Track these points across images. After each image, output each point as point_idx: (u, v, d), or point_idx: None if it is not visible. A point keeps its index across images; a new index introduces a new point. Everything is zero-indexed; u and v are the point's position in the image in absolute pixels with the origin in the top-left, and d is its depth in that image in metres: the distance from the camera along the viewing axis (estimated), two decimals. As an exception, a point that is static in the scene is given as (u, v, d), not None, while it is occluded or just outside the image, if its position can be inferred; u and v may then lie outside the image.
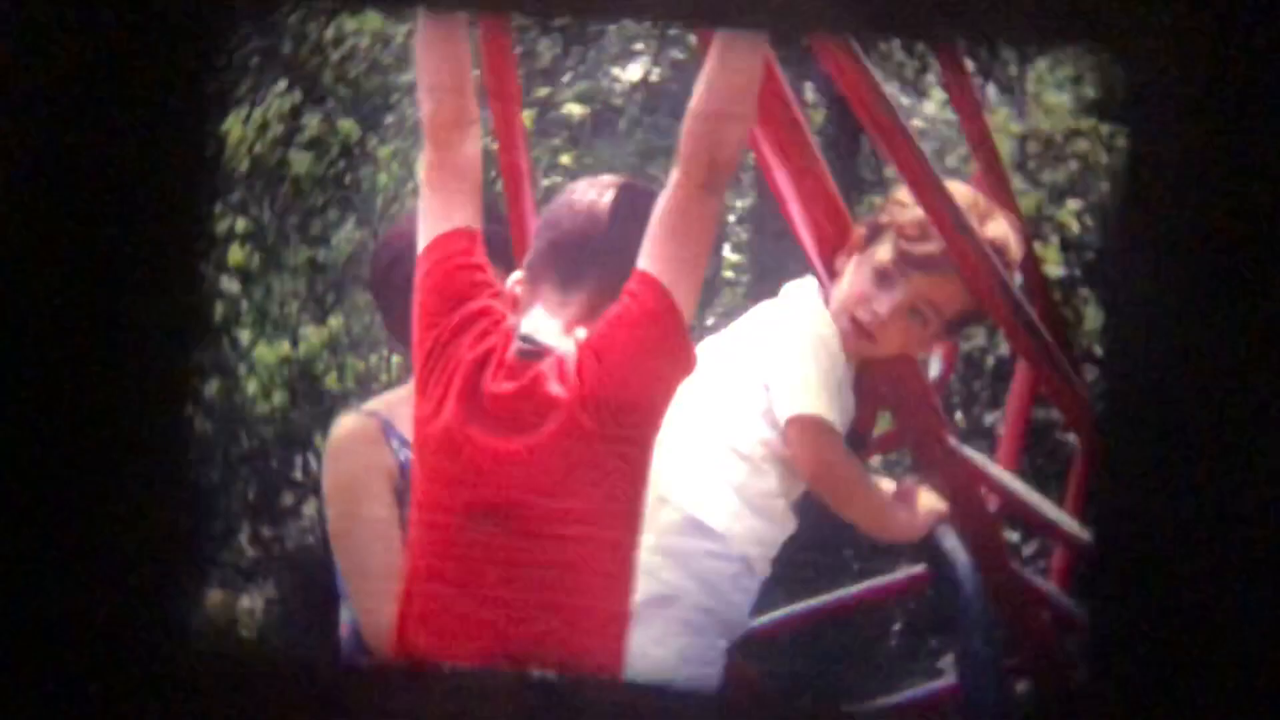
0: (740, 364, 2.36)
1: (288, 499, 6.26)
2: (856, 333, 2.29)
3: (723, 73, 1.97)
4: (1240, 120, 1.81)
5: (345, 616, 2.64)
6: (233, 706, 2.00)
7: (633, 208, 2.10)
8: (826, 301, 2.33)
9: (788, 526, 2.37)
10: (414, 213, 2.28)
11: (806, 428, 2.25)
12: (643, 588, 2.11)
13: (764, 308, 2.46)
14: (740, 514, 2.30)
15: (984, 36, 1.98)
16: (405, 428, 2.59)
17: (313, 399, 6.23)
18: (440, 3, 2.31)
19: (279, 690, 2.01)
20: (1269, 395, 1.86)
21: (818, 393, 2.26)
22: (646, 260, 2.02)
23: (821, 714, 2.17)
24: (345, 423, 2.64)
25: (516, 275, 2.19)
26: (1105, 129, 6.34)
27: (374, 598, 2.46)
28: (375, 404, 2.69)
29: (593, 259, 2.09)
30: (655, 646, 2.21)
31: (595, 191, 2.13)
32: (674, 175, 2.02)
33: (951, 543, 2.32)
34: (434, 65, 2.13)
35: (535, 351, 2.07)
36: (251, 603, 6.28)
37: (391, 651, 2.35)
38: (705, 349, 2.42)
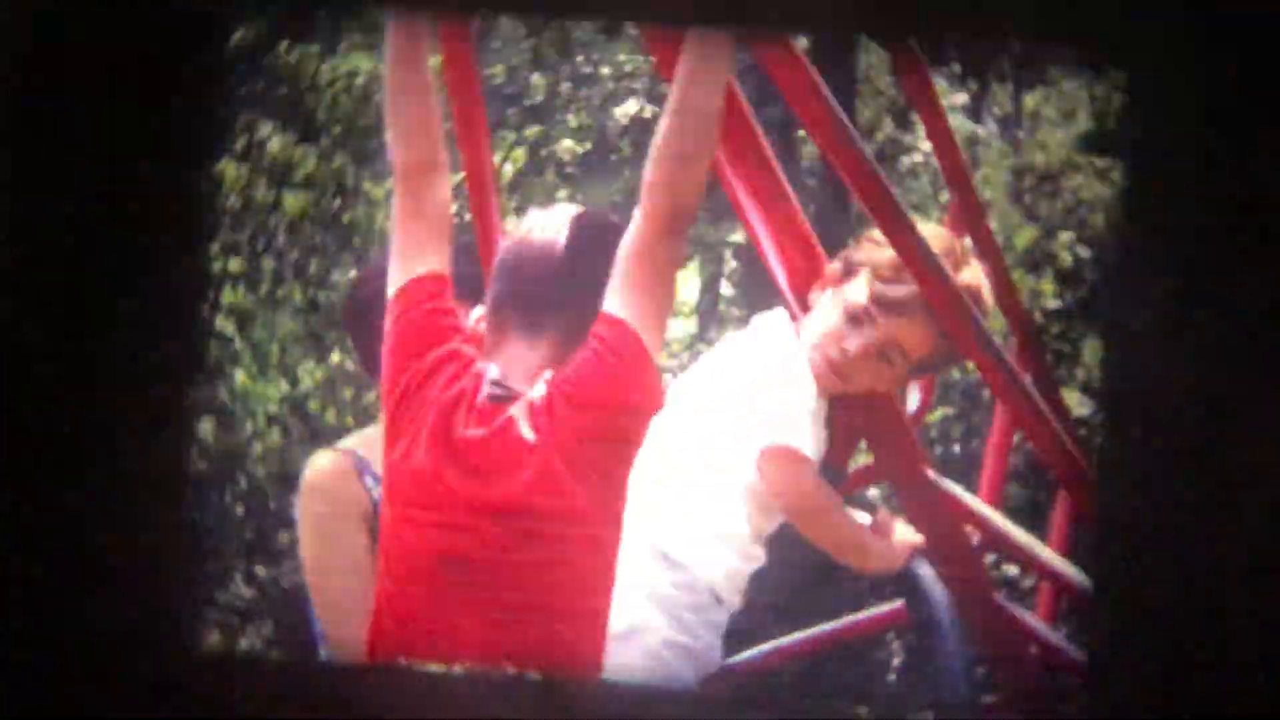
0: (709, 397, 2.35)
1: (284, 538, 6.25)
2: (827, 369, 2.28)
3: (683, 114, 1.97)
4: (1242, 132, 1.81)
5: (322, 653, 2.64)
6: (231, 706, 1.99)
7: (590, 241, 2.09)
8: (797, 333, 2.32)
9: (756, 558, 2.36)
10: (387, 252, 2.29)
11: (780, 459, 2.23)
12: (610, 620, 2.11)
13: (733, 340, 2.45)
14: (707, 545, 2.29)
15: (982, 40, 1.98)
16: (380, 466, 2.60)
17: (310, 436, 6.23)
18: (437, 1, 2.32)
19: (275, 691, 2.00)
20: (1272, 419, 1.85)
21: (791, 425, 2.24)
22: (613, 303, 2.01)
23: (821, 714, 2.16)
24: (319, 461, 2.63)
25: (478, 313, 2.18)
26: (1100, 163, 6.35)
27: (348, 637, 2.45)
28: (350, 441, 2.68)
29: (556, 302, 2.08)
30: (622, 678, 2.20)
31: (551, 228, 2.12)
32: (637, 218, 2.01)
33: (928, 576, 2.30)
34: (402, 110, 2.13)
35: (505, 395, 2.07)
36: (249, 643, 6.26)
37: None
38: (676, 382, 2.42)
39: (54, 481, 1.99)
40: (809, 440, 2.25)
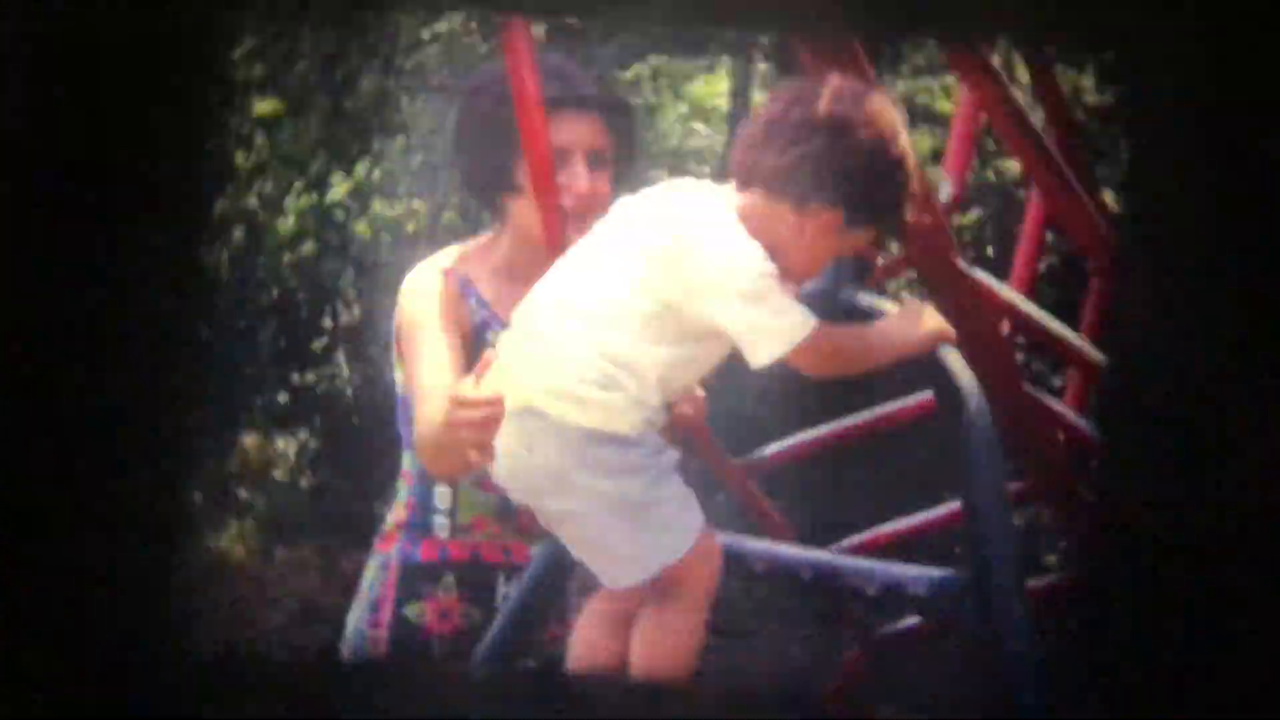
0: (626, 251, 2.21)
1: (316, 346, 6.29)
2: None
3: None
4: (1242, 123, 1.80)
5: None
6: (233, 706, 2.03)
7: None
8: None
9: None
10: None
11: (802, 353, 2.16)
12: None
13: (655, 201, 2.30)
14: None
15: (991, 37, 1.98)
16: (483, 286, 2.60)
17: (341, 247, 6.22)
18: (456, 2, 2.30)
19: (278, 690, 2.04)
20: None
21: (784, 320, 2.14)
22: None
23: (823, 714, 2.20)
24: (422, 278, 2.59)
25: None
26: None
27: (430, 413, 2.43)
28: (448, 258, 2.63)
29: None
30: (628, 547, 2.20)
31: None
32: None
33: (956, 363, 2.29)
34: None
35: None
36: (285, 446, 6.34)
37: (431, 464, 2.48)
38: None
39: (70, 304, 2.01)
40: (799, 313, 2.19)
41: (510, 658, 2.43)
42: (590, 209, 2.44)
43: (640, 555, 2.19)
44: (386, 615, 2.64)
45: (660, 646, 2.22)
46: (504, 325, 2.56)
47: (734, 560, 2.32)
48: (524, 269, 2.51)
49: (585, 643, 2.30)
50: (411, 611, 2.63)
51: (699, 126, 6.79)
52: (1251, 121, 1.82)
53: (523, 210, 2.55)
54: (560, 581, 2.47)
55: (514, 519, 2.62)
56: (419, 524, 2.65)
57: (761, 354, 2.16)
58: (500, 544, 2.65)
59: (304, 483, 6.20)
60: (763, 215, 2.19)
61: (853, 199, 2.18)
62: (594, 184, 2.54)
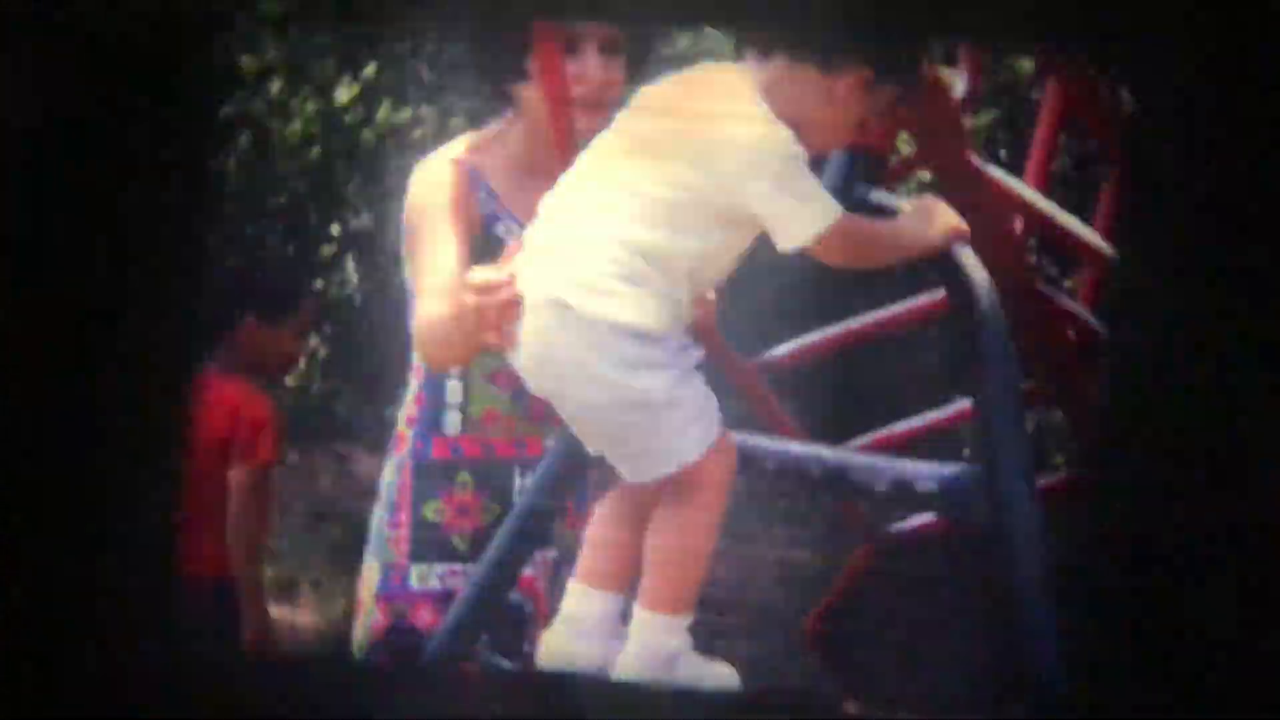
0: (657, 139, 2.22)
1: (326, 251, 6.27)
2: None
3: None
4: (1240, 125, 1.80)
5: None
6: (235, 704, 2.04)
7: None
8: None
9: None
10: None
11: (828, 239, 2.16)
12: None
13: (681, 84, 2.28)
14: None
15: (988, 39, 1.97)
16: (493, 176, 2.57)
17: (346, 153, 6.19)
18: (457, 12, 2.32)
19: (279, 689, 2.04)
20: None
21: (814, 205, 2.15)
22: None
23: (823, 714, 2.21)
24: (430, 169, 2.56)
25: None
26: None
27: (432, 304, 2.44)
28: (458, 149, 2.60)
29: None
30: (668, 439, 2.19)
31: None
32: None
33: (969, 261, 2.28)
34: None
35: None
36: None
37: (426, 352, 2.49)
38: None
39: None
40: (825, 199, 2.17)
41: (528, 547, 2.44)
42: (603, 99, 2.42)
43: (660, 452, 2.19)
44: (405, 515, 2.64)
45: (675, 545, 2.22)
46: (513, 218, 2.54)
47: (745, 457, 2.33)
48: (535, 161, 2.50)
49: (599, 538, 2.31)
50: (430, 510, 2.64)
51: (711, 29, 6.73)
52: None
53: (534, 100, 2.52)
54: (577, 475, 2.47)
55: (527, 411, 2.61)
56: (430, 419, 2.65)
57: (790, 237, 2.17)
58: (513, 439, 2.64)
59: (314, 388, 6.20)
60: (788, 85, 2.18)
61: (880, 53, 2.16)
62: (607, 73, 2.52)
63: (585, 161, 2.25)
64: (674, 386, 2.19)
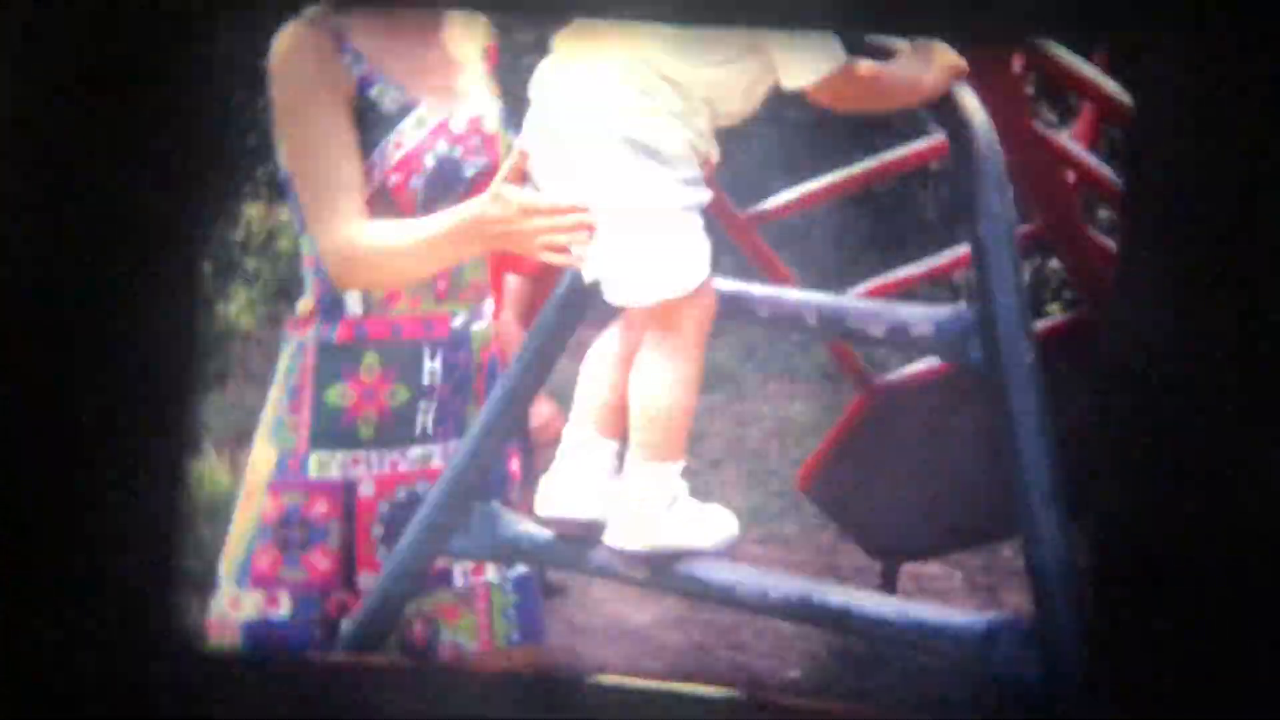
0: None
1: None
2: None
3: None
4: (1244, 123, 1.76)
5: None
6: (233, 704, 2.03)
7: None
8: None
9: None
10: None
11: (831, 81, 2.23)
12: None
13: None
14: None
15: (992, 36, 1.95)
16: (360, 38, 2.40)
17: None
18: (450, 2, 2.34)
19: (276, 688, 2.03)
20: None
21: (821, 48, 2.23)
22: None
23: (822, 714, 2.22)
24: (291, 36, 2.36)
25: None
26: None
27: (334, 217, 2.34)
28: (315, 11, 2.38)
29: None
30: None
31: None
32: None
33: (967, 100, 2.26)
34: None
35: None
36: (288, 216, 6.32)
37: (340, 278, 2.39)
38: None
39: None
40: (832, 42, 2.24)
41: (538, 380, 2.43)
42: None
43: (647, 275, 2.24)
44: (307, 398, 2.48)
45: (659, 380, 2.28)
46: (386, 79, 2.42)
47: (739, 307, 2.32)
48: (397, 14, 2.38)
49: (590, 375, 2.38)
50: (333, 394, 2.48)
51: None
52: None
53: None
54: (577, 317, 2.45)
55: (433, 289, 2.50)
56: (331, 300, 2.48)
57: (797, 75, 2.24)
58: (419, 316, 2.50)
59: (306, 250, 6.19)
60: None
61: None
62: None
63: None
64: (676, 216, 2.24)
